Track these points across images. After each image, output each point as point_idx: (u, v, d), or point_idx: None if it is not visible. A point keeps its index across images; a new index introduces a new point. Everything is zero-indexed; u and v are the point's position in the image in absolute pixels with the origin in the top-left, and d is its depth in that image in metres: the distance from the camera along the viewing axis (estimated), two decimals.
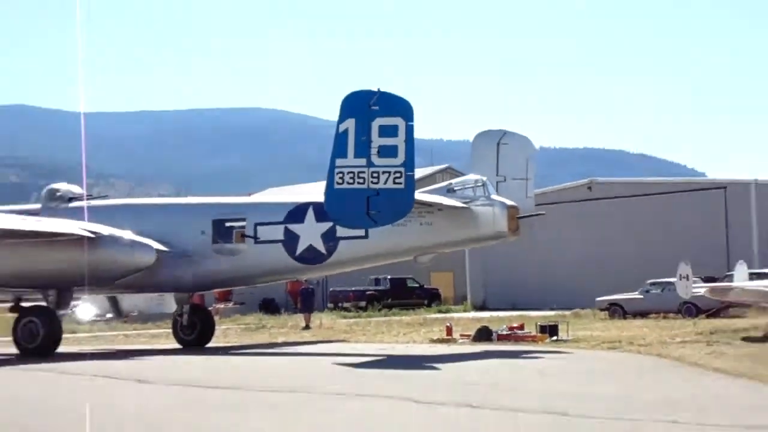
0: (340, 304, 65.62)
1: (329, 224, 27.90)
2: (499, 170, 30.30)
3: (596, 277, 54.67)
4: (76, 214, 29.96)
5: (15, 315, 29.47)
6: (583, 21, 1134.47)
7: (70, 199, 31.69)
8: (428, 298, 70.19)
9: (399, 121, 24.56)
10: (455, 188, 28.24)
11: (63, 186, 32.83)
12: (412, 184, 25.21)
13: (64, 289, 28.93)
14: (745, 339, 28.16)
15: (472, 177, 28.64)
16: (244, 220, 29.86)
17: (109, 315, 35.34)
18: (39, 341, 27.22)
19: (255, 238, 29.32)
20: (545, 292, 58.64)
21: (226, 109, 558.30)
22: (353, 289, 66.75)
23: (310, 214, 28.48)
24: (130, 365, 24.68)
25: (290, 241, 28.78)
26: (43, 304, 28.79)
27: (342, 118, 24.99)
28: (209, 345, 31.88)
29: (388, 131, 24.53)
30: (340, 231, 27.94)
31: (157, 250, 28.83)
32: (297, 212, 29.01)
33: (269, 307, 62.50)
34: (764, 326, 31.01)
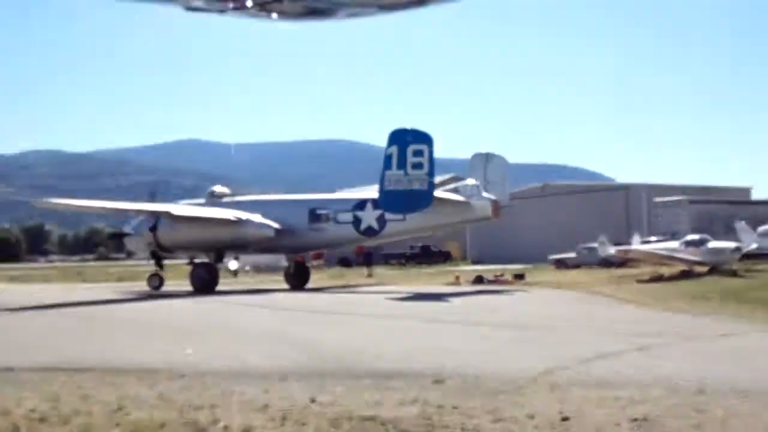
0: (389, 261, 75.97)
1: (380, 211, 35.49)
2: (486, 177, 36.54)
3: (548, 244, 61.60)
4: (226, 205, 38.28)
5: (190, 267, 38.21)
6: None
7: (221, 196, 39.76)
8: (444, 257, 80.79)
9: (424, 147, 32.74)
10: (459, 189, 35.81)
11: (218, 188, 41.03)
12: (432, 186, 33.26)
13: (220, 250, 37.76)
14: (638, 281, 33.95)
15: (470, 181, 36.10)
16: (327, 209, 37.37)
17: (247, 268, 43.55)
18: (205, 283, 35.63)
19: (335, 220, 36.78)
20: (517, 253, 66.40)
21: (317, 141, 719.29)
22: (397, 251, 77.53)
23: (369, 205, 36.17)
24: (258, 298, 30.44)
25: (356, 222, 36.41)
26: (207, 260, 37.54)
27: (389, 145, 33.13)
28: (306, 287, 38.45)
29: (417, 153, 32.60)
30: (387, 216, 35.48)
31: (276, 228, 36.60)
32: (360, 204, 36.76)
33: (345, 262, 70.46)
34: (649, 273, 37.62)
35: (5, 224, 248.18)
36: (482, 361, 12.04)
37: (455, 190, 35.84)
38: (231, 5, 2.43)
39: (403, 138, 32.85)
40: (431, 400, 9.07)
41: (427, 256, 78.69)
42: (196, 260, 38.20)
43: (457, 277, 40.18)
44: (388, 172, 32.78)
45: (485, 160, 37.61)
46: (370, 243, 42.27)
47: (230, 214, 36.63)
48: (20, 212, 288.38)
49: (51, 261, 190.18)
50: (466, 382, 10.23)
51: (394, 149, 32.75)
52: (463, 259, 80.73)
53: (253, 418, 8.31)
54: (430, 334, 16.46)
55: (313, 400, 9.18)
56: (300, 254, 40.39)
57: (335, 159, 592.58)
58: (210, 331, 18.40)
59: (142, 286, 37.54)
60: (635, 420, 7.92)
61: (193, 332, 18.12)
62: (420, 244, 78.14)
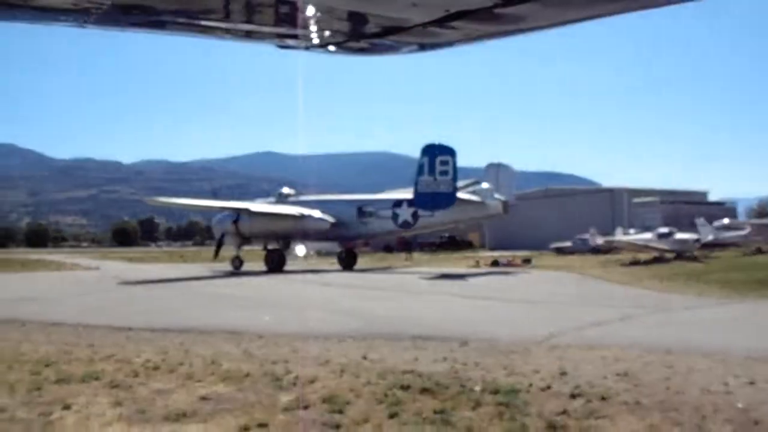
0: (424, 248, 74.88)
1: (414, 209, 35.63)
2: (498, 182, 36.43)
3: (549, 235, 61.52)
4: (292, 204, 38.61)
5: (263, 252, 37.99)
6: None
7: (288, 196, 40.13)
8: (467, 245, 79.48)
9: (449, 158, 33.08)
10: (476, 191, 36.00)
11: (285, 190, 41.23)
12: (455, 189, 33.30)
13: (287, 239, 38.15)
14: (621, 264, 33.88)
15: (484, 185, 36.23)
16: (372, 206, 37.72)
17: (312, 253, 43.96)
18: (276, 264, 35.80)
19: (377, 215, 37.07)
20: (525, 242, 66.50)
21: (369, 153, 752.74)
22: (430, 241, 76.84)
23: (405, 204, 36.32)
24: (318, 276, 30.75)
25: (395, 217, 36.57)
26: (278, 247, 37.63)
27: (421, 156, 33.30)
28: (355, 268, 38.43)
29: (444, 163, 32.95)
30: (420, 212, 35.63)
31: (331, 222, 36.81)
32: (398, 203, 36.93)
33: (388, 249, 70.82)
34: (629, 258, 37.25)
35: (125, 218, 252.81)
36: (497, 328, 11.99)
37: (473, 192, 36.12)
38: (316, 43, 2.41)
39: (432, 151, 33.24)
40: (458, 358, 9.11)
41: (453, 244, 78.06)
42: (269, 247, 38.30)
43: (478, 261, 40.63)
44: (420, 178, 33.17)
45: (497, 168, 37.69)
46: (406, 234, 42.33)
47: (295, 210, 37.17)
48: (136, 208, 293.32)
49: (159, 246, 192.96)
50: (485, 344, 10.21)
51: (425, 160, 33.16)
52: (482, 246, 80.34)
53: (318, 371, 8.37)
54: (456, 307, 16.32)
55: (364, 357, 9.24)
56: (351, 242, 40.37)
57: (383, 167, 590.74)
58: (281, 303, 18.51)
59: (227, 266, 37.73)
60: (618, 374, 7.93)
61: (268, 303, 18.20)
62: (447, 235, 77.89)
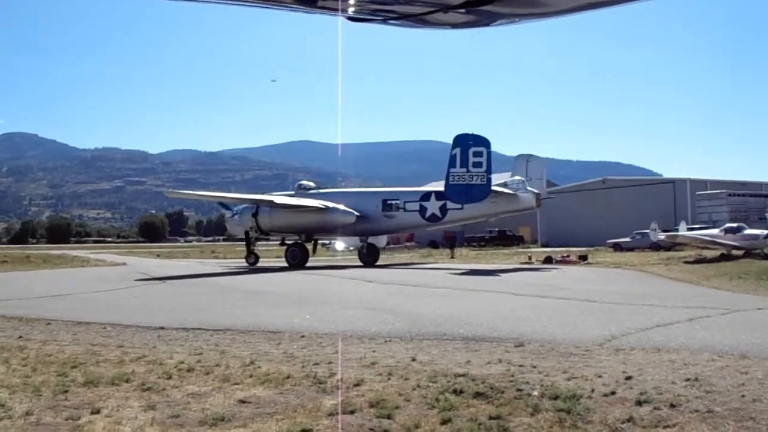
0: (471, 243, 75.50)
1: (443, 201, 36.01)
2: (528, 174, 37.22)
3: (606, 229, 61.10)
4: (312, 196, 38.86)
5: (283, 247, 39.03)
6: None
7: (308, 189, 40.62)
8: (517, 240, 79.48)
9: (483, 149, 33.55)
10: (508, 184, 36.22)
11: (305, 182, 42.41)
12: (489, 182, 33.69)
13: (309, 233, 38.39)
14: (684, 262, 32.97)
15: (517, 178, 36.56)
16: (398, 199, 37.91)
17: (351, 248, 44.27)
18: (298, 260, 36.56)
19: (403, 209, 37.34)
20: (579, 237, 65.81)
21: (412, 141, 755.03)
22: (478, 235, 77.04)
23: (433, 197, 36.88)
24: (348, 272, 30.18)
25: (422, 210, 36.96)
26: (299, 241, 38.05)
27: (453, 147, 33.80)
28: (377, 264, 38.28)
29: (478, 154, 33.43)
30: (449, 205, 35.81)
31: (356, 215, 36.93)
32: (426, 195, 37.43)
33: (433, 244, 70.88)
34: (694, 255, 36.47)
35: (153, 211, 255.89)
36: (554, 328, 11.82)
37: (504, 185, 36.30)
38: (394, 14, 2.38)
39: (465, 141, 33.80)
40: (513, 360, 9.04)
41: (502, 239, 77.78)
42: (288, 241, 38.79)
43: (530, 257, 40.46)
44: (452, 170, 33.70)
45: (527, 160, 38.46)
46: (431, 228, 42.30)
47: (319, 203, 37.38)
48: (164, 201, 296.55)
49: (189, 241, 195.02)
50: (542, 346, 10.13)
51: (457, 151, 33.54)
52: (534, 242, 79.94)
53: (364, 373, 8.36)
54: (507, 305, 16.10)
55: (413, 359, 9.22)
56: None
57: (426, 157, 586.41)
58: (321, 300, 18.49)
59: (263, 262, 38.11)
60: (687, 380, 7.75)
61: (307, 301, 18.21)
62: (497, 229, 77.38)
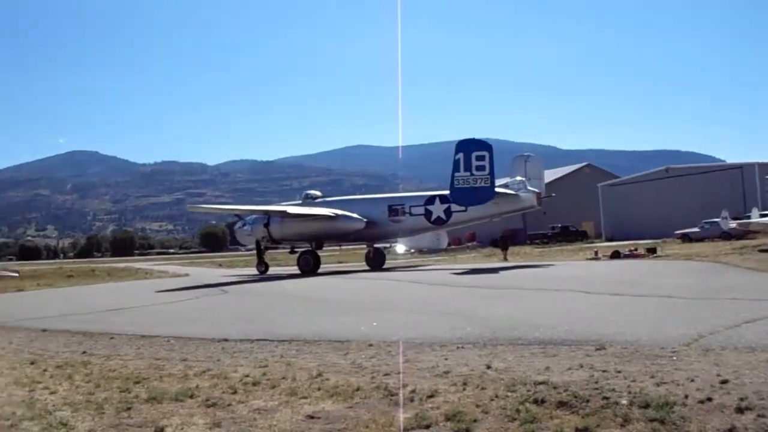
0: (533, 241, 75.42)
1: (447, 204, 36.88)
2: (526, 174, 37.96)
3: (673, 220, 59.87)
4: (320, 205, 40.25)
5: (293, 254, 40.45)
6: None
7: (315, 198, 41.93)
8: (580, 235, 78.09)
9: (485, 153, 34.79)
10: (509, 184, 37.23)
11: (312, 191, 43.53)
12: (493, 185, 34.83)
13: (320, 240, 39.50)
14: (760, 251, 31.55)
15: (518, 178, 37.47)
16: (403, 204, 38.81)
17: (412, 251, 44.93)
18: (311, 266, 37.45)
19: (409, 213, 38.20)
20: (645, 229, 64.77)
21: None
22: (540, 232, 77.31)
23: (437, 200, 37.57)
24: (401, 274, 29.60)
25: (427, 214, 37.78)
26: (309, 248, 39.07)
27: (456, 152, 34.98)
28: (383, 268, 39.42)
29: (480, 158, 34.55)
30: (453, 207, 36.63)
31: (365, 221, 38.06)
32: (430, 199, 38.07)
33: (496, 243, 70.76)
34: None
35: (213, 221, 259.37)
36: (635, 328, 11.13)
37: (505, 185, 37.61)
38: None
39: (468, 146, 34.95)
40: (596, 365, 8.51)
41: (565, 235, 76.81)
42: (299, 249, 40.09)
43: (596, 253, 39.87)
44: (456, 174, 34.84)
45: (524, 160, 39.19)
46: (436, 230, 42.58)
47: (329, 211, 38.58)
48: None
49: (249, 250, 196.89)
50: (624, 348, 9.53)
51: (461, 155, 34.76)
52: (597, 236, 78.74)
53: (437, 383, 7.97)
54: (580, 304, 15.50)
55: (488, 366, 8.77)
56: (379, 241, 41.87)
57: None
58: (381, 305, 18.30)
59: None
60: None
61: (367, 306, 18.03)
62: (559, 225, 77.01)
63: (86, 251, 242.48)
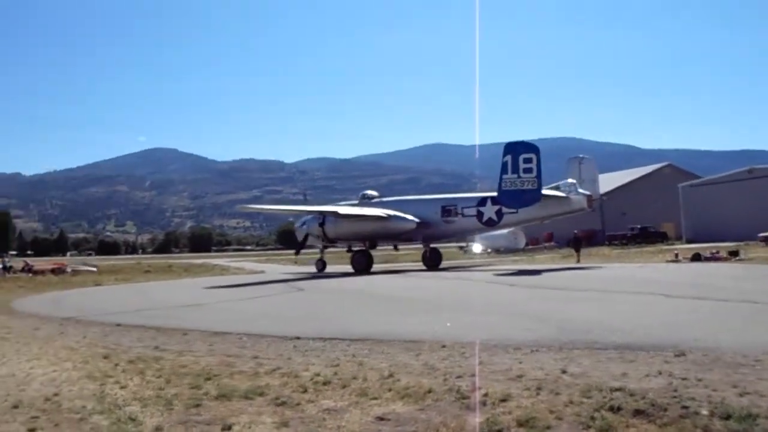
0: (612, 242, 74.03)
1: (498, 206, 37.62)
2: (580, 177, 38.37)
3: (757, 222, 58.14)
4: (376, 205, 41.44)
5: (349, 253, 41.16)
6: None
7: (371, 198, 43.21)
8: (660, 237, 76.46)
9: (533, 156, 35.22)
10: (560, 187, 37.54)
11: (368, 192, 44.79)
12: (540, 186, 35.24)
13: (373, 240, 40.70)
14: None
15: (570, 180, 37.78)
16: (456, 205, 39.79)
17: (489, 250, 45.56)
18: (364, 265, 38.59)
19: (462, 214, 39.10)
20: (727, 232, 62.99)
21: (550, 138, 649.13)
22: (619, 233, 76.08)
23: (489, 202, 38.36)
24: (469, 273, 29.22)
25: (479, 215, 38.66)
26: (363, 248, 40.26)
27: (504, 154, 35.55)
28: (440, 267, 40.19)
29: (528, 160, 35.10)
30: (504, 210, 37.50)
31: (416, 222, 39.11)
32: (482, 201, 38.92)
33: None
34: None
35: (290, 219, 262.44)
36: (717, 334, 10.81)
37: (557, 188, 37.74)
38: None
39: (515, 149, 35.59)
40: (675, 372, 8.24)
41: (645, 236, 75.02)
42: (354, 248, 41.09)
43: (676, 255, 39.35)
44: (504, 176, 35.53)
45: (579, 162, 39.33)
46: (487, 232, 44.84)
47: (381, 211, 39.67)
48: None
49: (326, 246, 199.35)
50: (705, 355, 9.21)
51: (509, 158, 35.42)
52: (678, 238, 76.92)
53: (510, 387, 7.82)
54: (659, 308, 15.05)
55: (564, 371, 8.58)
56: (435, 241, 42.32)
57: (563, 154, 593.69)
58: (455, 304, 18.14)
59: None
60: None
61: (440, 306, 17.90)
62: (639, 226, 75.49)
63: (164, 247, 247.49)
